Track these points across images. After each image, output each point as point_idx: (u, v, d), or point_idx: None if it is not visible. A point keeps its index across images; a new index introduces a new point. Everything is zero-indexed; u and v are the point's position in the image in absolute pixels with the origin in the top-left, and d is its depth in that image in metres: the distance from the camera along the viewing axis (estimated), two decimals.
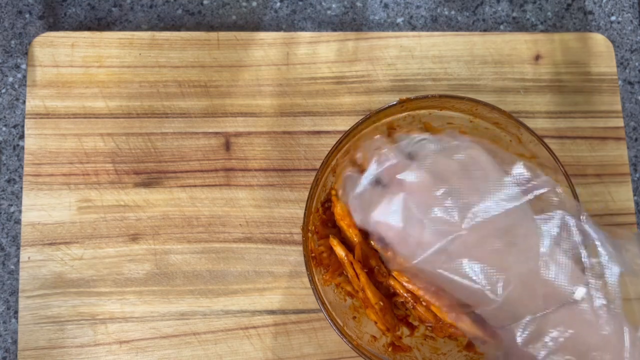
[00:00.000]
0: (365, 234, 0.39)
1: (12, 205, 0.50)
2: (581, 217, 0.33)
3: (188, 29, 0.53)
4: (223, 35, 0.51)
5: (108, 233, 0.48)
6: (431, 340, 0.42)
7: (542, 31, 0.54)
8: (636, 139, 0.53)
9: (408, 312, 0.42)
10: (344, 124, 0.50)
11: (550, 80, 0.52)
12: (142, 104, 0.50)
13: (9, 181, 0.50)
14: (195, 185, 0.49)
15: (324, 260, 0.41)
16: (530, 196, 0.33)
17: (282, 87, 0.51)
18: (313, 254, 0.40)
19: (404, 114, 0.42)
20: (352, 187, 0.38)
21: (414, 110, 0.42)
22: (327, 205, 0.43)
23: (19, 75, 0.52)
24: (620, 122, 0.51)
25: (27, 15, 0.53)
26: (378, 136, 0.39)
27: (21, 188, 0.49)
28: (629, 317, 0.31)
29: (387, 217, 0.34)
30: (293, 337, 0.47)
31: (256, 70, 0.51)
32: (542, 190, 0.34)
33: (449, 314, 0.36)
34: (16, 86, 0.51)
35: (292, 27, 0.54)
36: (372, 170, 0.37)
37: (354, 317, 0.42)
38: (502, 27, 0.55)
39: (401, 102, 0.40)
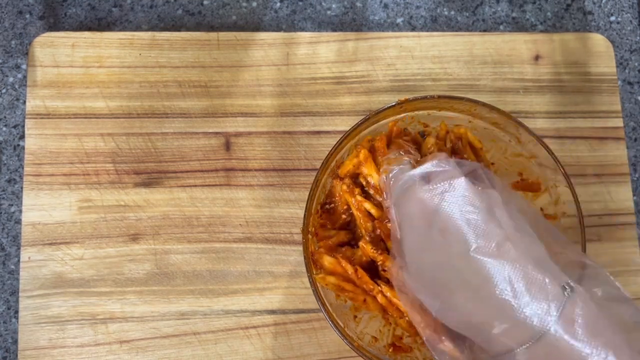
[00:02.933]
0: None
1: (12, 205, 0.50)
2: None
3: (188, 29, 0.53)
4: (223, 35, 0.51)
5: (108, 233, 0.48)
6: None
7: (541, 31, 0.54)
8: (635, 139, 0.53)
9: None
10: (344, 124, 0.50)
11: (550, 81, 0.52)
12: (142, 104, 0.50)
13: (9, 181, 0.50)
14: (195, 185, 0.49)
15: None
16: None
17: (282, 87, 0.51)
18: (313, 256, 0.40)
19: (402, 115, 0.42)
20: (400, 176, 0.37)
21: (412, 111, 0.42)
22: (326, 207, 0.43)
23: (20, 76, 0.52)
24: (619, 122, 0.51)
25: (28, 16, 0.53)
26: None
27: (22, 188, 0.49)
28: None
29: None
30: (293, 337, 0.47)
31: (256, 70, 0.51)
32: None
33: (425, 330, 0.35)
34: (16, 86, 0.51)
35: (292, 27, 0.54)
36: (426, 166, 0.35)
37: (355, 318, 0.42)
38: (501, 27, 0.55)
39: (399, 103, 0.40)
